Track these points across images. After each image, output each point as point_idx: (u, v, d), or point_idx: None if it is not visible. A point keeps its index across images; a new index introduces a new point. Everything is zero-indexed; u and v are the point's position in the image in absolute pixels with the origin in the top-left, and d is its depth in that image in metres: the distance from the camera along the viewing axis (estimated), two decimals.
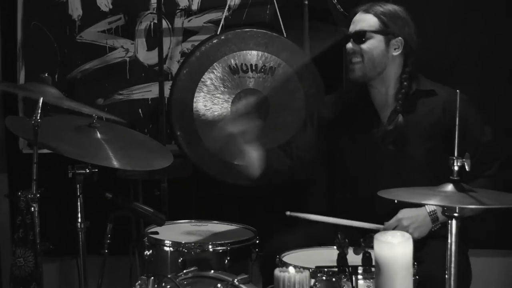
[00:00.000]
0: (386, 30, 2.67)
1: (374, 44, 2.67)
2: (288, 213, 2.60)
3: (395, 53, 2.69)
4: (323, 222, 2.63)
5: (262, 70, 3.36)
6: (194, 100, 3.37)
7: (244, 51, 3.35)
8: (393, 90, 2.73)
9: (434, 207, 2.58)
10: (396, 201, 1.98)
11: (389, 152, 2.69)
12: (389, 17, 2.68)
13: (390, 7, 2.71)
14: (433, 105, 2.69)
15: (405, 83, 2.70)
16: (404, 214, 2.58)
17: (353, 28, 2.72)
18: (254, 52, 3.35)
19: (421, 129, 2.68)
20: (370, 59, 2.68)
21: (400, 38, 2.68)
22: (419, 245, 2.49)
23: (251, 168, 2.74)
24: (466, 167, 1.95)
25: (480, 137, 2.65)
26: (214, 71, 3.36)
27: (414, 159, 2.67)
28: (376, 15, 2.68)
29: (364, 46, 2.67)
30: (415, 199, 1.98)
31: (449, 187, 1.96)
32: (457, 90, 2.05)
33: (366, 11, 2.70)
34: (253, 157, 2.72)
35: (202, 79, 3.36)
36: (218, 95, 3.38)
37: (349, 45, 2.70)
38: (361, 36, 2.68)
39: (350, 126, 2.79)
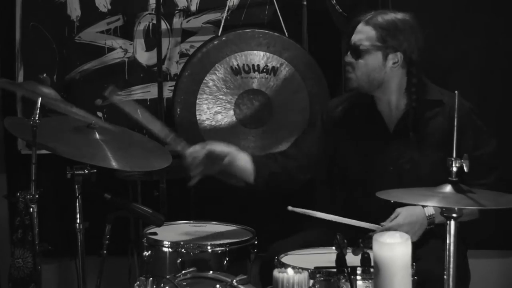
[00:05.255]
0: (384, 45, 2.62)
1: (369, 59, 2.64)
2: (289, 208, 2.59)
3: (394, 67, 2.65)
4: (323, 220, 2.62)
5: (265, 70, 3.36)
6: (197, 101, 3.37)
7: (246, 52, 3.35)
8: (396, 102, 2.70)
9: (433, 212, 2.56)
10: (392, 201, 1.99)
11: (396, 161, 2.69)
12: (389, 31, 2.62)
13: (393, 17, 2.64)
14: (441, 114, 2.67)
15: (414, 96, 2.66)
16: (405, 219, 2.55)
17: (353, 38, 2.68)
18: (256, 52, 3.35)
19: (430, 140, 2.66)
20: (364, 73, 2.66)
21: (399, 52, 2.63)
22: (417, 243, 2.50)
23: (244, 174, 2.77)
24: (465, 168, 1.95)
25: (482, 147, 2.63)
26: (216, 72, 3.35)
27: (422, 168, 2.65)
28: (375, 28, 2.63)
29: (360, 61, 2.65)
30: (413, 200, 1.98)
31: (448, 188, 1.96)
32: (456, 91, 2.05)
33: (367, 23, 2.65)
34: (242, 164, 2.76)
35: (204, 81, 3.36)
36: (221, 96, 3.38)
37: (347, 57, 2.69)
38: (357, 51, 2.65)
39: (356, 132, 2.77)
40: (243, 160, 2.77)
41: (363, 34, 2.65)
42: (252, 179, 2.78)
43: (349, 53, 2.68)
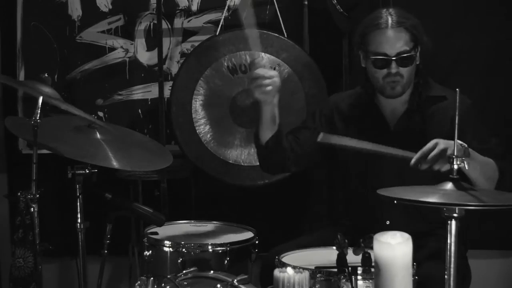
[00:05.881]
0: (416, 43, 2.62)
1: (411, 63, 2.64)
2: (320, 137, 2.54)
3: (417, 63, 2.67)
4: (323, 222, 2.61)
5: None
6: (193, 100, 3.37)
7: (243, 52, 3.35)
8: (402, 99, 2.70)
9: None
10: (395, 201, 1.98)
11: (395, 158, 2.68)
12: (414, 27, 2.61)
13: (403, 12, 2.64)
14: (442, 110, 2.66)
15: (420, 89, 2.67)
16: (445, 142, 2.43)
17: (390, 48, 2.59)
18: (253, 53, 3.35)
19: (431, 135, 2.65)
20: (409, 76, 2.64)
21: (418, 46, 2.64)
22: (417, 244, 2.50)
23: (268, 125, 2.72)
24: (466, 166, 1.95)
25: (481, 144, 2.63)
26: (213, 71, 3.35)
27: None
28: (407, 30, 2.60)
29: (408, 68, 2.62)
30: (414, 197, 1.97)
31: (449, 185, 1.96)
32: (457, 89, 2.05)
33: (397, 26, 2.60)
34: (274, 115, 2.70)
35: (200, 80, 3.36)
36: (217, 95, 3.38)
37: (394, 69, 2.60)
38: (407, 60, 2.61)
39: (357, 129, 2.76)
40: (276, 115, 2.73)
41: (402, 41, 2.60)
42: (267, 137, 2.73)
43: (393, 63, 2.60)
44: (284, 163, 2.81)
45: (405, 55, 2.60)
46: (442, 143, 2.39)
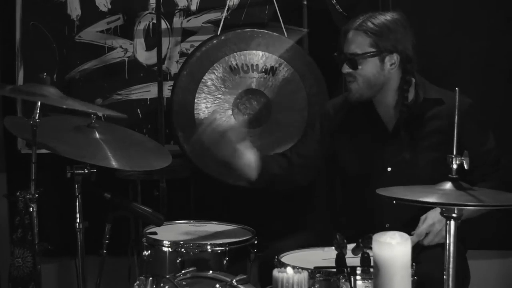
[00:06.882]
0: (378, 50, 2.60)
1: (367, 66, 2.62)
2: None
3: (392, 68, 2.64)
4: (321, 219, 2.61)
5: (263, 70, 3.36)
6: (195, 101, 3.37)
7: (245, 51, 3.35)
8: (394, 101, 2.69)
9: None
10: (394, 202, 1.98)
11: (395, 160, 2.68)
12: (381, 35, 2.60)
13: (383, 20, 2.61)
14: (441, 113, 2.65)
15: (405, 94, 2.66)
16: (434, 218, 2.53)
17: (346, 48, 2.65)
18: (255, 52, 3.35)
19: (429, 139, 2.65)
20: (365, 81, 2.64)
21: (395, 54, 2.62)
22: (417, 246, 2.50)
23: (247, 169, 2.73)
24: (465, 166, 1.95)
25: (485, 145, 2.64)
26: (214, 71, 3.35)
27: (422, 168, 2.64)
28: (367, 34, 2.60)
29: (358, 70, 2.63)
30: (413, 197, 1.97)
31: (448, 185, 1.96)
32: (456, 88, 2.04)
33: (358, 29, 2.62)
34: (249, 158, 2.71)
35: (203, 80, 3.36)
36: (219, 95, 3.38)
37: (344, 69, 2.66)
38: (353, 61, 2.63)
39: (355, 132, 2.76)
40: (250, 156, 2.73)
41: (355, 43, 2.62)
42: (254, 177, 2.75)
43: (345, 64, 2.65)
44: (287, 181, 2.83)
45: (353, 56, 2.62)
46: (437, 224, 2.50)
